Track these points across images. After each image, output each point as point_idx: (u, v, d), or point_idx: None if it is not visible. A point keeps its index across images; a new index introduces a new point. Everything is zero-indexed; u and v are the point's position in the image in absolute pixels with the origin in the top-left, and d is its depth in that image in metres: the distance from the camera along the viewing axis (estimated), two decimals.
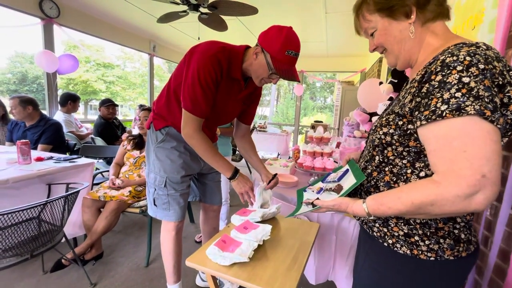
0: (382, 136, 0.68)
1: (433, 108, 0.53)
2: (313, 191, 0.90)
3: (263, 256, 0.97)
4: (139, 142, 2.18)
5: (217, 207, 1.63)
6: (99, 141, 3.08)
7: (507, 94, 0.54)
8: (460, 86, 0.51)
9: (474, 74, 0.50)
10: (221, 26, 3.16)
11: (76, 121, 3.32)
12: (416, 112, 0.59)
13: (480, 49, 0.53)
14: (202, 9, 2.76)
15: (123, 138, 2.26)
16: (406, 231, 0.67)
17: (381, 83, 1.91)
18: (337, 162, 1.76)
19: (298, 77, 1.15)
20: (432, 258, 0.64)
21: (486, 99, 0.50)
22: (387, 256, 0.70)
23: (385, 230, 0.70)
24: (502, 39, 0.96)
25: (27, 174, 1.54)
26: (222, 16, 2.93)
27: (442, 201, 0.51)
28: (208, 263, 0.91)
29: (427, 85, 0.56)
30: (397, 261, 0.68)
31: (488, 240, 1.01)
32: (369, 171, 0.74)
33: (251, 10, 2.69)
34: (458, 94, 0.51)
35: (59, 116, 3.13)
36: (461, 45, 0.56)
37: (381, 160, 0.70)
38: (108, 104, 3.24)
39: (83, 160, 1.95)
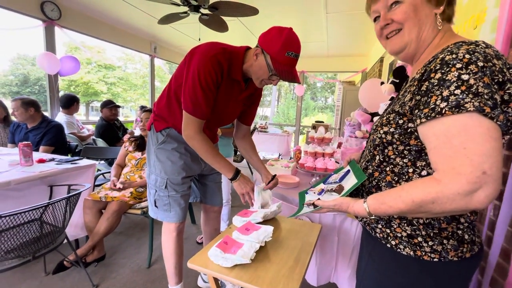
0: (383, 135, 0.68)
1: (433, 106, 0.53)
2: (314, 192, 0.90)
3: (265, 257, 0.96)
4: (140, 144, 2.18)
5: (218, 208, 1.63)
6: (101, 143, 3.08)
7: (507, 91, 0.53)
8: (460, 83, 0.50)
9: (474, 71, 0.50)
10: (222, 27, 3.16)
11: (77, 123, 3.33)
12: (416, 110, 0.58)
13: (480, 47, 0.53)
14: (202, 10, 2.77)
15: (125, 139, 2.26)
16: (409, 232, 0.66)
17: (382, 83, 1.90)
18: (338, 163, 1.75)
19: (299, 78, 1.14)
20: (435, 259, 0.63)
21: (485, 96, 0.49)
22: (390, 257, 0.70)
23: (388, 231, 0.69)
24: (504, 38, 0.96)
25: (29, 176, 1.55)
26: (223, 17, 2.93)
27: (443, 199, 0.51)
28: (210, 265, 0.90)
29: (426, 83, 0.56)
30: (401, 262, 0.68)
31: (491, 240, 1.00)
32: (370, 171, 0.73)
33: (252, 11, 2.68)
34: (458, 91, 0.50)
35: (60, 117, 3.14)
36: (460, 43, 0.56)
37: (382, 159, 0.69)
38: (111, 106, 3.25)
39: (84, 162, 1.95)
